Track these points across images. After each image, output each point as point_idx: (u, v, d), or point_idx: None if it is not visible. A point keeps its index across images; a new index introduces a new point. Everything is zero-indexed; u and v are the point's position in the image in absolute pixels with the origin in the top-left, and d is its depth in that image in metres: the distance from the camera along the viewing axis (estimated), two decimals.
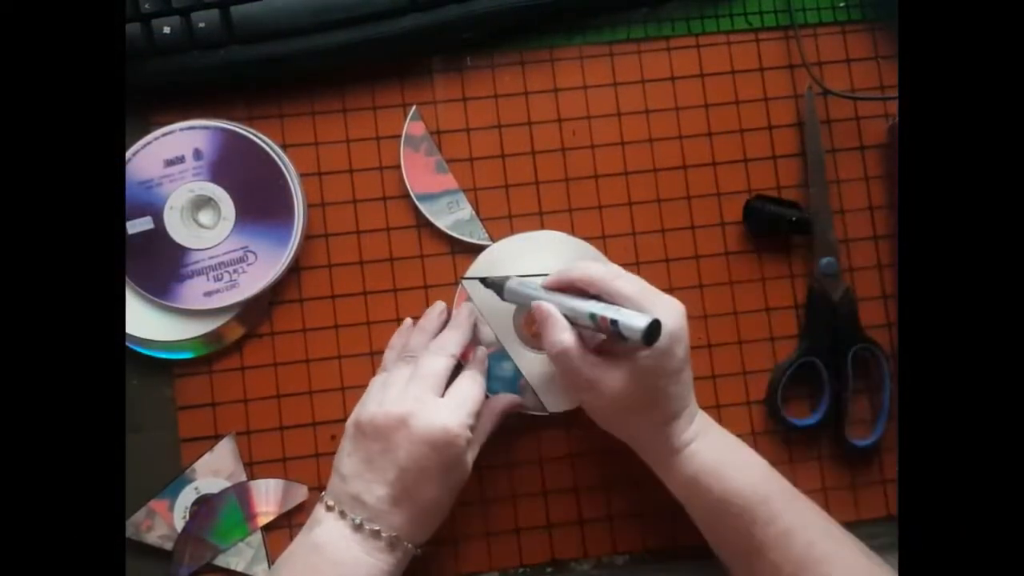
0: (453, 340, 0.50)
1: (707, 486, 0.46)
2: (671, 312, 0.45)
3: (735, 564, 0.47)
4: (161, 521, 0.52)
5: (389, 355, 0.52)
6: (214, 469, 0.52)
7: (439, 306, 0.53)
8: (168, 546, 0.51)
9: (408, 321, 0.53)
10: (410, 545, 0.46)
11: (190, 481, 0.52)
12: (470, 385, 0.48)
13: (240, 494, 0.52)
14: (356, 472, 0.46)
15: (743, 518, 0.45)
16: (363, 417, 0.47)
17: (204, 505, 0.52)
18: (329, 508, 0.46)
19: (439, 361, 0.48)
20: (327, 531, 0.45)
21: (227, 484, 0.52)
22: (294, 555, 0.46)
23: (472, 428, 0.47)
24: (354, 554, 0.44)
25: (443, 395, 0.47)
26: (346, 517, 0.45)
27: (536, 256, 0.54)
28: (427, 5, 0.53)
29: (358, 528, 0.45)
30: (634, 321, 0.42)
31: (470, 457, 0.48)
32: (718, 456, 0.47)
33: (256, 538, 0.52)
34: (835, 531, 0.46)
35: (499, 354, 0.53)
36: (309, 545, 0.46)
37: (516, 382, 0.53)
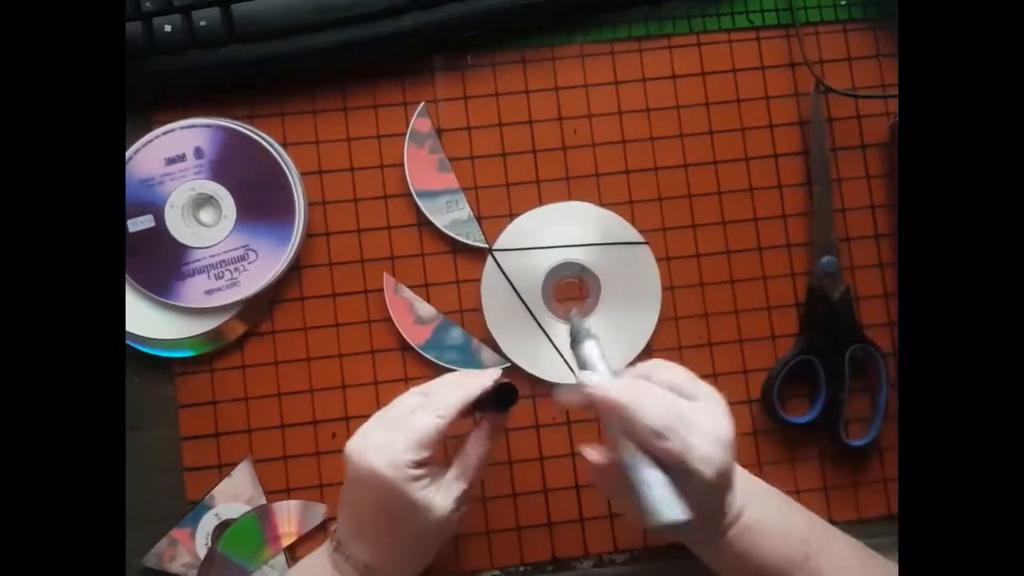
0: (452, 403, 0.44)
1: (750, 561, 0.43)
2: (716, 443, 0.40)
3: None
4: (184, 549, 0.51)
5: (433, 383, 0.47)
6: (233, 495, 0.52)
7: (494, 372, 0.47)
8: (192, 574, 0.51)
9: (497, 371, 0.48)
10: None
11: (210, 508, 0.52)
12: (419, 417, 0.43)
13: (262, 516, 0.52)
14: (341, 495, 0.46)
15: None
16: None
17: (225, 529, 0.52)
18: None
19: (426, 419, 0.43)
20: (326, 545, 0.47)
21: (247, 508, 0.52)
22: (302, 563, 0.48)
23: (420, 465, 0.42)
24: (330, 572, 0.45)
25: (419, 457, 0.42)
26: (334, 535, 0.46)
27: (560, 227, 0.54)
28: (428, 3, 0.53)
29: (336, 548, 0.46)
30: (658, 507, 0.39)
31: (432, 498, 0.43)
32: (762, 529, 0.43)
33: (280, 560, 0.52)
34: (873, 564, 0.45)
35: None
36: (314, 553, 0.48)
37: (469, 346, 0.53)
